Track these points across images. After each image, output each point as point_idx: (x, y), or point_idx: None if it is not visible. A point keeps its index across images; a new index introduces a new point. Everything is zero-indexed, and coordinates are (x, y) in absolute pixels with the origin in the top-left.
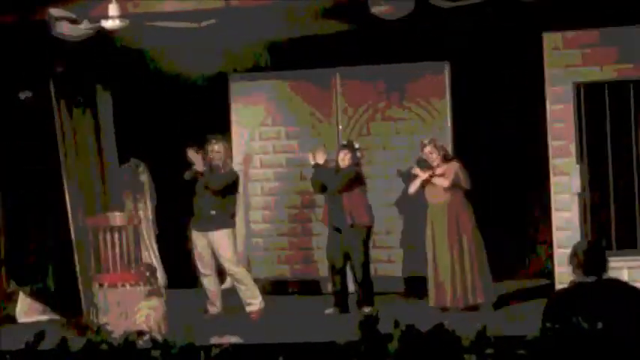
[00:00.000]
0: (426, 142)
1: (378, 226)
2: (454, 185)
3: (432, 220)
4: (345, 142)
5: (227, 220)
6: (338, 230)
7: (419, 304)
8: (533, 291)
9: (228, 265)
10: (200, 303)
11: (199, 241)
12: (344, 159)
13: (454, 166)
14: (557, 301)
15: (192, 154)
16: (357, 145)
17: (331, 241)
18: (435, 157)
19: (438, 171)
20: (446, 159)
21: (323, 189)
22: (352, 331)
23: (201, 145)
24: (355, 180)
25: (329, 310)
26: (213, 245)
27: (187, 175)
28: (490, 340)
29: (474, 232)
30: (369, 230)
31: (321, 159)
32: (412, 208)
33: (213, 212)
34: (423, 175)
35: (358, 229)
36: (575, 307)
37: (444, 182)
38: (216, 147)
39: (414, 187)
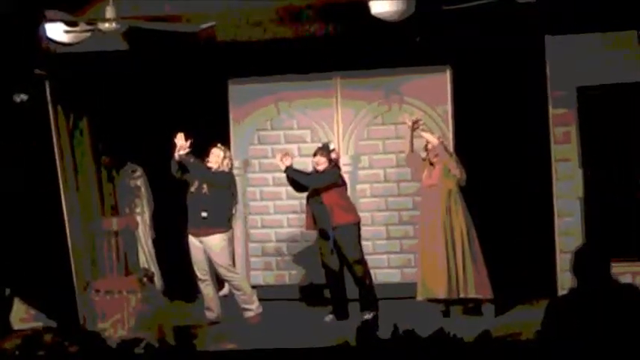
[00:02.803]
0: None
1: (378, 232)
2: (446, 176)
3: (425, 205)
4: (320, 145)
5: (220, 224)
6: (325, 233)
7: (420, 310)
8: (535, 297)
9: (223, 271)
10: (198, 309)
11: (194, 246)
12: (318, 162)
13: (453, 163)
14: (555, 308)
15: (180, 139)
16: (331, 147)
17: (321, 245)
18: (435, 154)
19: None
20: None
21: (302, 188)
22: (352, 338)
23: (192, 132)
24: (335, 181)
25: (328, 318)
26: (207, 250)
27: (174, 168)
28: (492, 342)
29: (467, 224)
30: (357, 227)
31: (288, 162)
32: (412, 213)
33: (204, 214)
34: (409, 122)
35: (345, 228)
36: (573, 314)
37: (434, 139)
38: (214, 151)
39: (409, 145)
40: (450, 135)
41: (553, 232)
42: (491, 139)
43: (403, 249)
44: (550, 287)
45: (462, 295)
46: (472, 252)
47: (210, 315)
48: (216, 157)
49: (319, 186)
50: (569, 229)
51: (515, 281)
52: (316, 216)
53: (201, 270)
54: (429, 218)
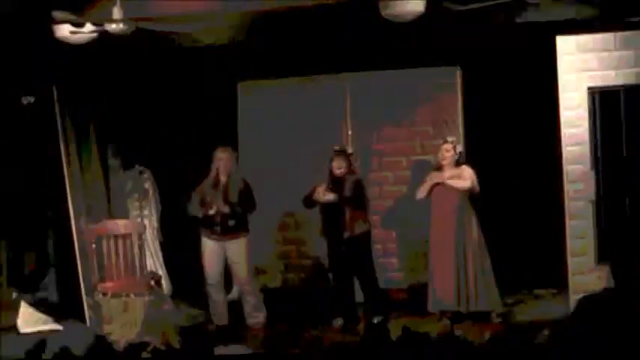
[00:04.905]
0: (449, 139)
1: (387, 235)
2: (462, 190)
3: (438, 223)
4: (337, 149)
5: (244, 227)
6: (339, 238)
7: (427, 313)
8: (544, 301)
9: (242, 275)
10: (205, 312)
11: (212, 249)
12: (339, 166)
13: (469, 170)
14: (583, 305)
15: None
16: (350, 151)
17: (332, 250)
18: (448, 157)
19: (448, 173)
20: (458, 163)
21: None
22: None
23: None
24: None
25: (336, 322)
26: (229, 254)
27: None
28: (501, 347)
29: (479, 238)
30: (370, 234)
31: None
32: (421, 215)
33: (232, 222)
34: (435, 180)
35: (360, 236)
36: (601, 312)
37: (465, 183)
38: (220, 154)
39: (423, 192)
40: (460, 136)
41: (564, 235)
42: (501, 141)
43: (412, 252)
44: (561, 290)
45: (472, 309)
46: (484, 266)
47: (218, 320)
48: (225, 161)
49: (353, 199)
50: (580, 232)
51: (526, 284)
52: (331, 222)
53: (213, 274)
54: (441, 230)
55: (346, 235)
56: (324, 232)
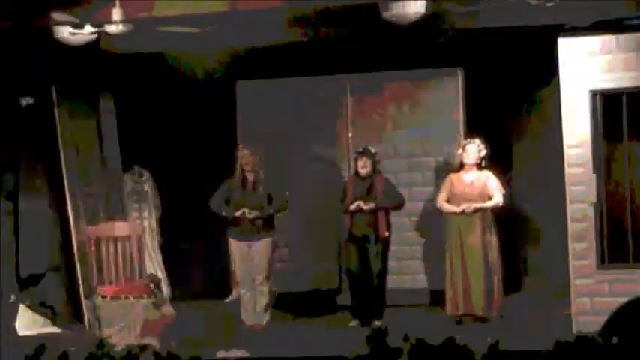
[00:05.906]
0: (476, 141)
1: (398, 237)
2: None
3: (461, 228)
4: (361, 150)
5: (270, 227)
6: (363, 241)
7: (432, 317)
8: (543, 303)
9: (261, 274)
10: (205, 315)
11: (240, 250)
12: (365, 165)
13: (494, 179)
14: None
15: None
16: (373, 151)
17: (350, 251)
18: (473, 157)
19: (471, 180)
20: (479, 167)
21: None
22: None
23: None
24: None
25: (353, 323)
26: (255, 254)
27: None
28: (502, 354)
29: (498, 244)
30: (389, 240)
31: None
32: (423, 219)
33: (259, 222)
34: (471, 207)
35: (384, 242)
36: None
37: (499, 202)
38: (244, 152)
39: (449, 210)
40: (461, 138)
41: (566, 238)
42: (502, 142)
43: (415, 255)
44: (563, 293)
45: (480, 314)
46: (499, 275)
47: (249, 319)
48: (248, 159)
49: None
50: (582, 234)
51: (527, 288)
52: (360, 225)
53: (245, 275)
54: (465, 234)
55: (377, 238)
56: (351, 235)
